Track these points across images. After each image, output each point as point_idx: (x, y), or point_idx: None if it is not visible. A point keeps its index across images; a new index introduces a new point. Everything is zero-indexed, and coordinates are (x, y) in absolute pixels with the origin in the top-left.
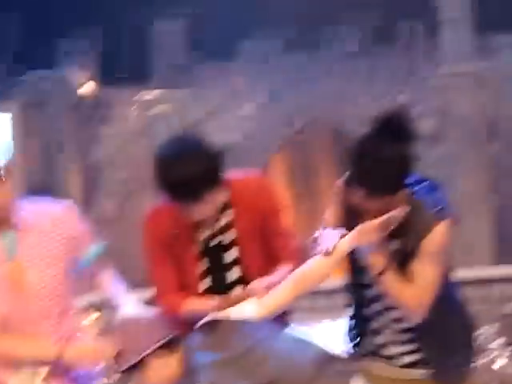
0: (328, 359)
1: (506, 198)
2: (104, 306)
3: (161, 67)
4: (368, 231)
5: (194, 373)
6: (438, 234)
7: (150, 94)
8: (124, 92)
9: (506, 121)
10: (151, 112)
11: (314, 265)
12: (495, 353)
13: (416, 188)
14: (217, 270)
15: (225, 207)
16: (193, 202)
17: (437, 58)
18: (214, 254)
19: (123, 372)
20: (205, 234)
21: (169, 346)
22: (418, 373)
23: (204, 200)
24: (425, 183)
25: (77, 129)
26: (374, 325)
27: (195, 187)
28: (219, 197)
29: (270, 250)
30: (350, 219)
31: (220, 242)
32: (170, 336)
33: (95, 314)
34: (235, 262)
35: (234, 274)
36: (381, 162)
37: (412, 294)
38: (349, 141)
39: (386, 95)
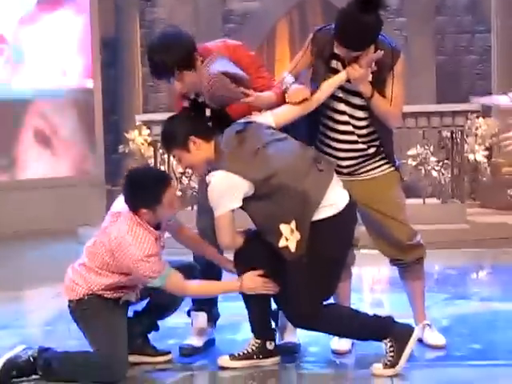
0: (318, 159)
1: (446, 57)
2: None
3: None
4: (358, 68)
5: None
6: (402, 62)
7: None
8: None
9: None
10: None
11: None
12: (429, 167)
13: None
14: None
15: None
16: (164, 79)
17: None
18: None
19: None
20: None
21: (205, 132)
22: (386, 167)
23: (175, 78)
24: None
25: None
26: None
27: (163, 70)
28: (188, 78)
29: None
30: (321, 61)
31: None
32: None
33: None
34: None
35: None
36: (361, 28)
37: (393, 108)
38: (335, 11)
39: None
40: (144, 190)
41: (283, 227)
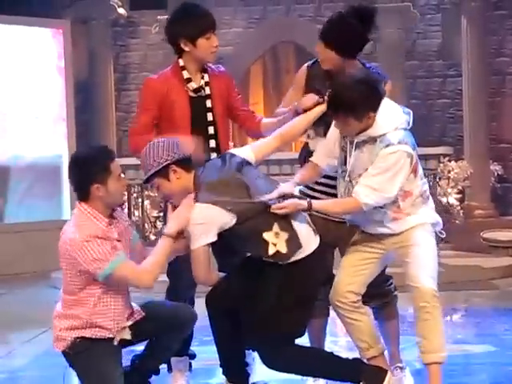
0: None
1: (418, 101)
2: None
3: None
4: (312, 97)
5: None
6: (389, 88)
7: (166, 16)
8: (148, 14)
9: (419, 44)
10: None
11: (293, 122)
12: None
13: (366, 64)
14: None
15: (206, 83)
16: (199, 35)
17: None
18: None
19: (146, 181)
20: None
21: (185, 162)
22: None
23: (204, 38)
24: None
25: (112, 40)
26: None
27: (201, 23)
28: (215, 39)
29: (235, 111)
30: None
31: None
32: (187, 155)
33: None
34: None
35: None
36: (347, 28)
37: None
38: (308, 55)
39: None
40: (91, 162)
41: (267, 235)
